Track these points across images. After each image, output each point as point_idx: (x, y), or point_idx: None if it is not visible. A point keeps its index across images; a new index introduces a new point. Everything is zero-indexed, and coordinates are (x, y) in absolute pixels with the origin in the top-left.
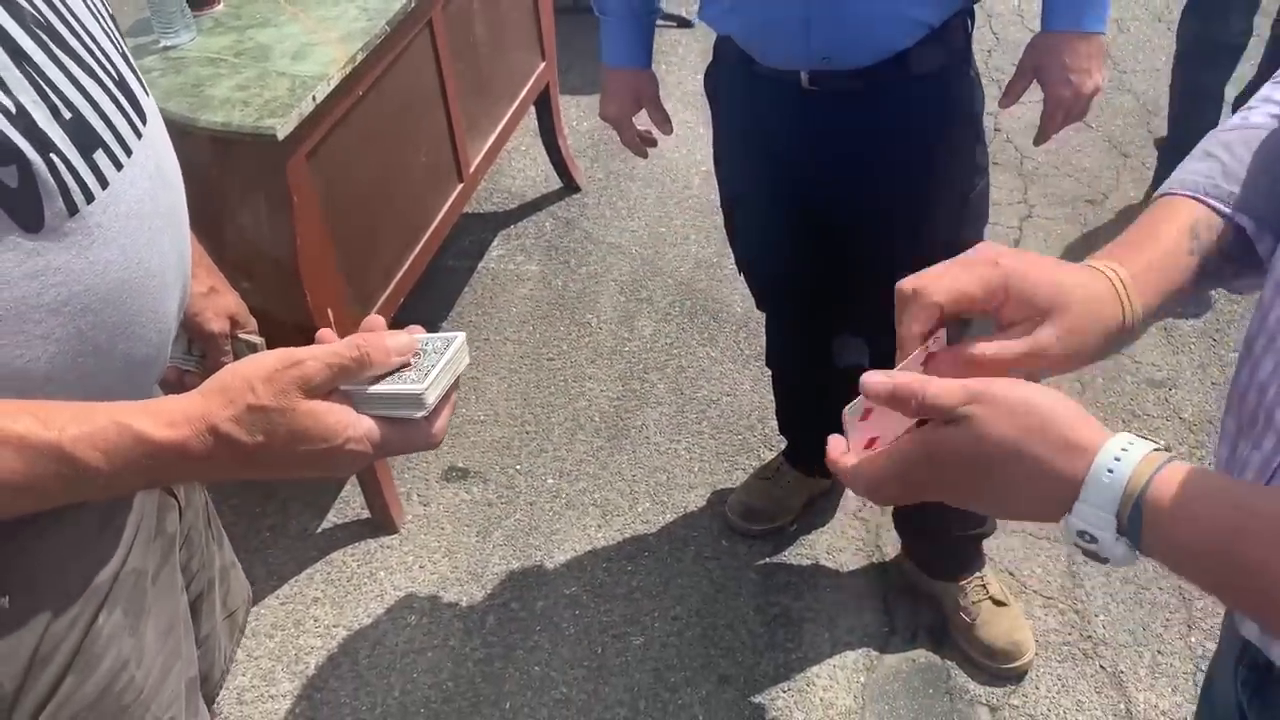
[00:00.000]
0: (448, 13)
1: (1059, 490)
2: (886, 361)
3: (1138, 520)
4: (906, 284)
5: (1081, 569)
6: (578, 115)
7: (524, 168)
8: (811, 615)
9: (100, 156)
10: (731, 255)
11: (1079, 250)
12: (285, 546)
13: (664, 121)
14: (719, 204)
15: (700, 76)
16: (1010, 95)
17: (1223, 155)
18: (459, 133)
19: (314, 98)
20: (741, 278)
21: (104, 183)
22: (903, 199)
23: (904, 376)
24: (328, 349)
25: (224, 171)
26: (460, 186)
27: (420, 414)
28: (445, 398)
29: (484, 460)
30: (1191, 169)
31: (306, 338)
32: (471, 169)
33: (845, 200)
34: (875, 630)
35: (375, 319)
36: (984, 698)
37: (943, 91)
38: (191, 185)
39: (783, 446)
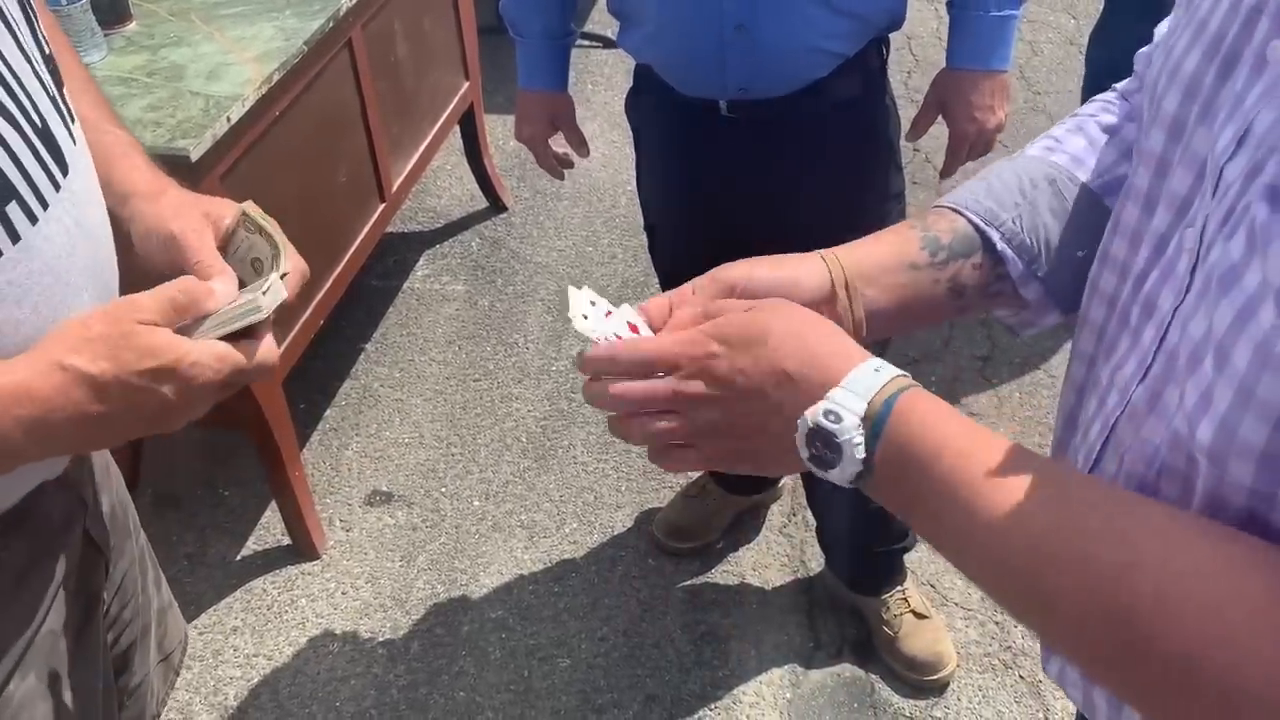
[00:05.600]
0: (368, 33)
1: (823, 376)
2: None
3: (882, 423)
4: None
5: None
6: (504, 134)
7: (449, 187)
8: (738, 632)
9: (13, 209)
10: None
11: None
12: (203, 575)
13: (580, 144)
14: None
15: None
16: (916, 130)
17: (993, 179)
18: (381, 152)
19: (229, 118)
20: None
21: (15, 237)
22: (819, 225)
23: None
24: (155, 289)
25: None
26: (382, 206)
27: (258, 316)
28: (266, 324)
29: (408, 484)
30: (964, 187)
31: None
32: (394, 189)
33: (762, 226)
34: (800, 646)
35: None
36: (907, 710)
37: (859, 118)
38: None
39: None
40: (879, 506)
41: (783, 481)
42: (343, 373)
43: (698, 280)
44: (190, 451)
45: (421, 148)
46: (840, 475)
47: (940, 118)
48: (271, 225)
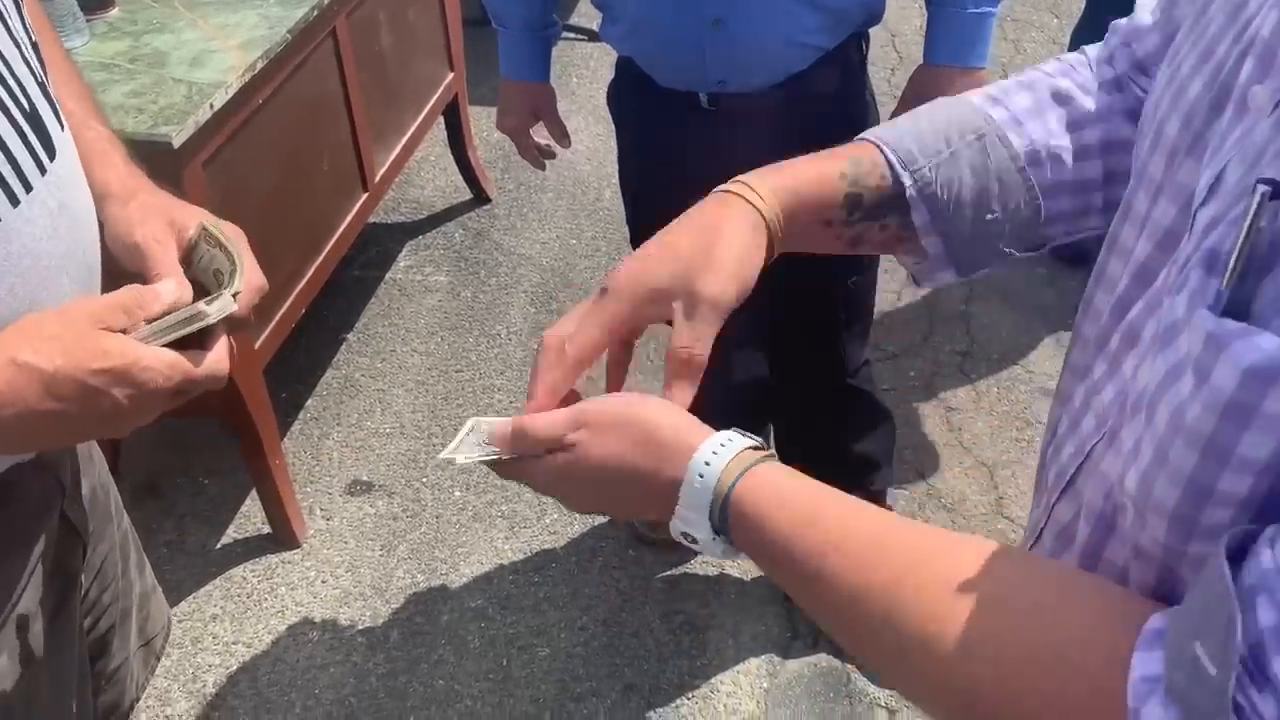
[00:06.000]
0: (352, 22)
1: (665, 495)
2: (783, 372)
3: (726, 520)
4: (551, 338)
5: None
6: (488, 126)
7: (433, 178)
8: (716, 622)
9: None
10: None
11: None
12: (183, 563)
13: (562, 135)
14: None
15: None
16: None
17: (924, 119)
18: (364, 142)
19: (211, 105)
20: None
21: None
22: None
23: (516, 420)
24: (104, 295)
25: None
26: (365, 196)
27: (204, 322)
28: (218, 334)
29: (389, 473)
30: (897, 121)
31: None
32: (377, 179)
33: None
34: (778, 636)
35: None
36: (882, 700)
37: (838, 112)
38: None
39: None
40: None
41: None
42: (324, 362)
43: (594, 298)
44: (169, 440)
45: (405, 138)
46: (724, 560)
47: None
48: (230, 238)
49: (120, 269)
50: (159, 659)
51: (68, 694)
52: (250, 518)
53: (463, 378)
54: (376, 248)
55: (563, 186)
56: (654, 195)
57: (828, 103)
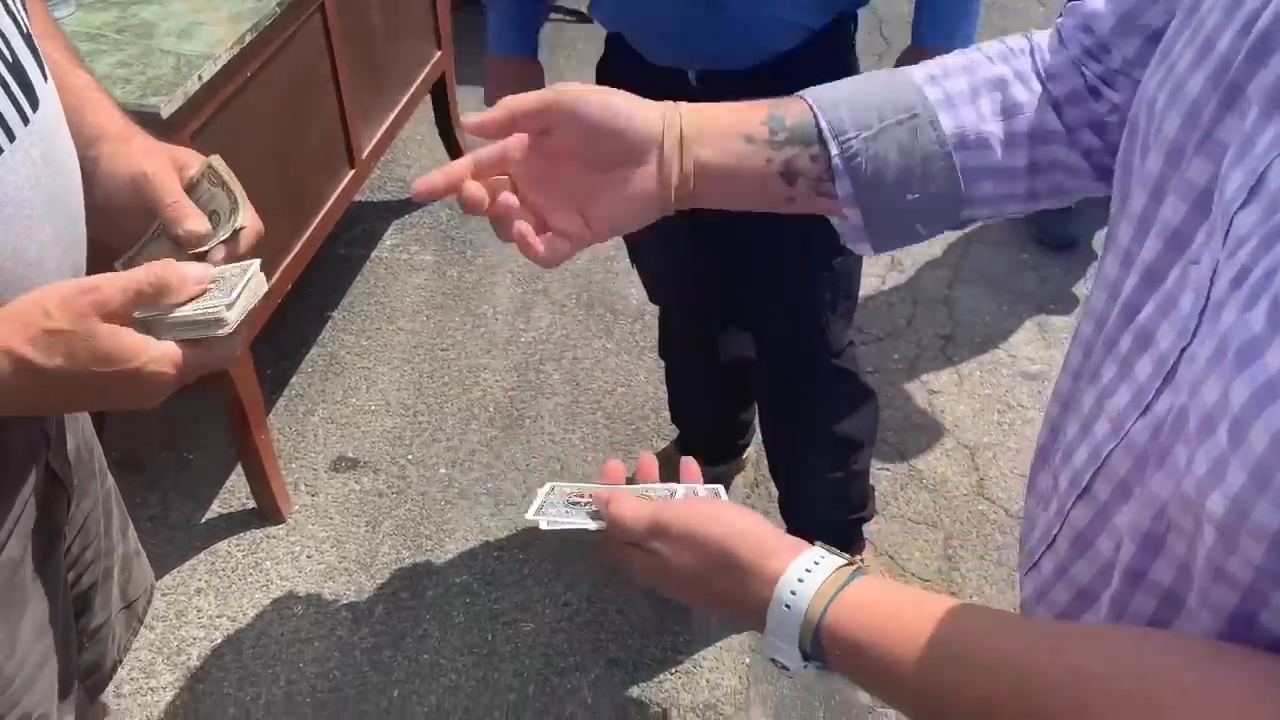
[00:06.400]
0: None
1: (755, 614)
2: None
3: (820, 648)
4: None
5: (958, 552)
6: (475, 106)
7: (419, 157)
8: None
9: None
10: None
11: (959, 249)
12: (167, 537)
13: None
14: None
15: None
16: None
17: (860, 87)
18: (351, 119)
19: (200, 77)
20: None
21: None
22: None
23: (605, 493)
24: (125, 274)
25: None
26: (351, 173)
27: (223, 331)
28: (244, 320)
29: (374, 450)
30: (834, 84)
31: None
32: (363, 156)
33: None
34: None
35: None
36: None
37: None
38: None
39: (675, 436)
40: (839, 478)
41: (747, 453)
42: (309, 340)
43: (529, 96)
44: (153, 414)
45: (391, 115)
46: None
47: None
48: (234, 181)
49: (114, 205)
50: (141, 622)
51: (51, 644)
52: (235, 493)
53: (448, 356)
54: (362, 226)
55: None
56: None
57: (815, 83)
